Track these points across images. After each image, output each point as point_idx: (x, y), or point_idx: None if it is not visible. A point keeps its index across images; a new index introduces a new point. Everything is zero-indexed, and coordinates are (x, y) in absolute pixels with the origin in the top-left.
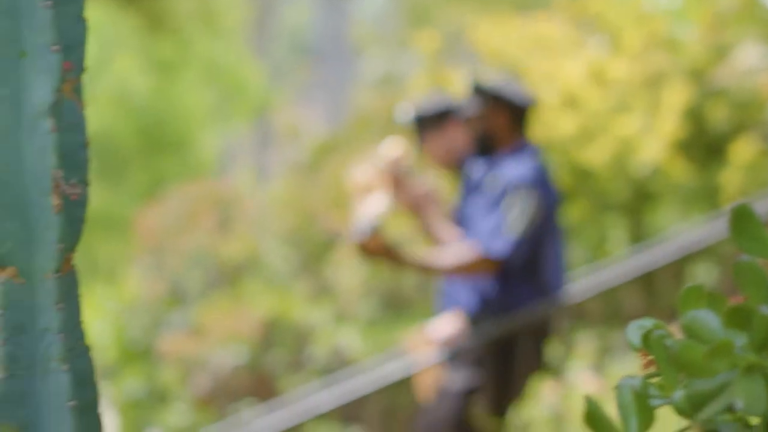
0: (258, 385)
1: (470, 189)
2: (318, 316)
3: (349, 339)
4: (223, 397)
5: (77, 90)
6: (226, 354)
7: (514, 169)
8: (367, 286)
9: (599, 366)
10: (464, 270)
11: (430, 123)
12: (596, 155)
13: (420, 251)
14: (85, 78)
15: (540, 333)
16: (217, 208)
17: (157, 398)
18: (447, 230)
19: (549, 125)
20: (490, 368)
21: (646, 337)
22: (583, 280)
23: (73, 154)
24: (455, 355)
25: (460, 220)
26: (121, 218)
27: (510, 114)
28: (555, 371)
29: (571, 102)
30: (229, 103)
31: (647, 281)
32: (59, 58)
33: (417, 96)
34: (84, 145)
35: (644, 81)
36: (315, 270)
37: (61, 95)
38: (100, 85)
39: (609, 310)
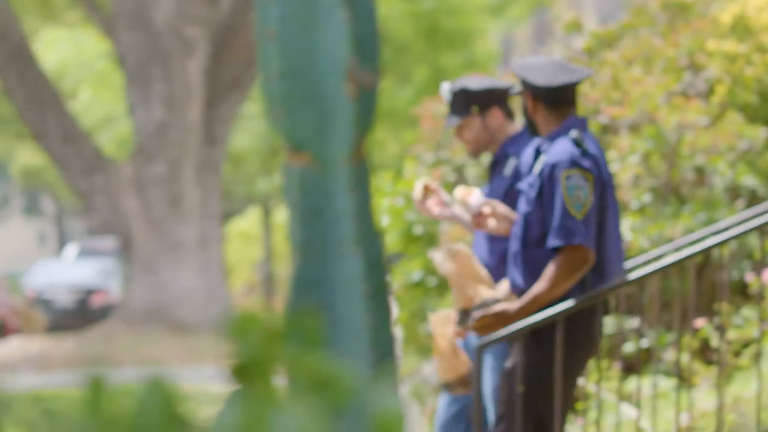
0: None
1: (504, 176)
2: None
3: None
4: None
5: None
6: None
7: (554, 153)
8: None
9: None
10: (571, 279)
11: (478, 101)
12: None
13: (527, 294)
14: None
15: (596, 314)
16: None
17: (436, 284)
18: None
19: None
20: (550, 348)
21: None
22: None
23: (365, 44)
24: (518, 336)
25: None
26: (403, 112)
27: (534, 96)
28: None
29: None
30: None
31: None
32: None
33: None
34: (375, 34)
35: None
36: None
37: None
38: None
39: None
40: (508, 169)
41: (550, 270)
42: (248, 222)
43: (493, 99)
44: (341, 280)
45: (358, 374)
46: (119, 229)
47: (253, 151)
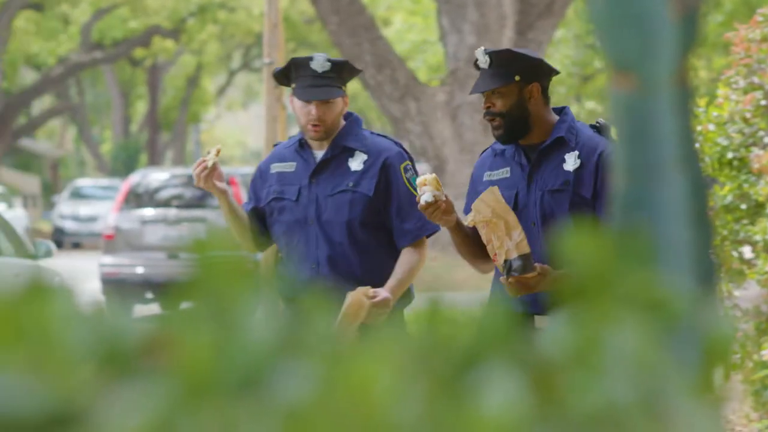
0: None
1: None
2: None
3: None
4: None
5: None
6: None
7: (593, 141)
8: None
9: None
10: None
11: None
12: None
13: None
14: None
15: None
16: None
17: (746, 209)
18: None
19: None
20: None
21: None
22: None
23: None
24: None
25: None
26: (714, 38)
27: (541, 81)
28: None
29: None
30: None
31: None
32: None
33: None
34: None
35: None
36: None
37: None
38: None
39: None
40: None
41: None
42: None
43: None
44: (665, 202)
45: (687, 294)
46: (432, 155)
47: (563, 77)
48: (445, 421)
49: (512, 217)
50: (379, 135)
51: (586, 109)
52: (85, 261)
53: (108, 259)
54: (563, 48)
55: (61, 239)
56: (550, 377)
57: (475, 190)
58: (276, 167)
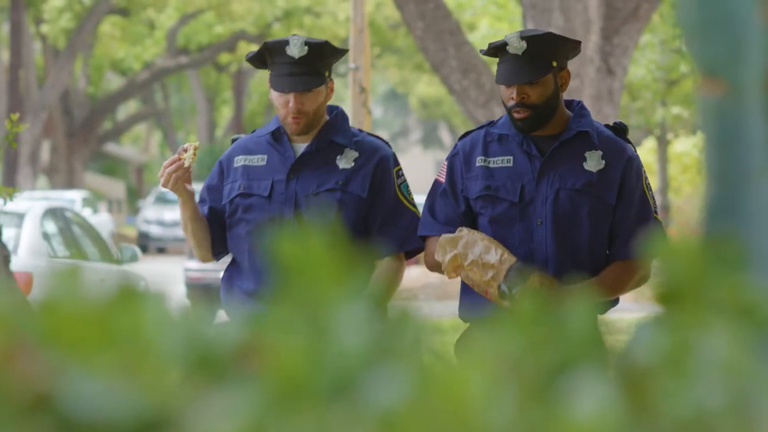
0: None
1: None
2: None
3: None
4: None
5: None
6: None
7: (620, 146)
8: None
9: None
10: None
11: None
12: None
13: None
14: None
15: None
16: None
17: None
18: None
19: None
20: None
21: None
22: None
23: None
24: None
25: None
26: None
27: (564, 66)
28: None
29: None
30: None
31: None
32: None
33: None
34: None
35: None
36: None
37: None
38: None
39: None
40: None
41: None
42: (644, 152)
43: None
44: (756, 208)
45: None
46: None
47: (649, 82)
48: (537, 428)
49: (480, 245)
50: (369, 134)
51: (672, 114)
52: (169, 266)
53: (193, 264)
54: (649, 53)
55: (146, 244)
56: (641, 383)
57: (460, 175)
58: (241, 160)
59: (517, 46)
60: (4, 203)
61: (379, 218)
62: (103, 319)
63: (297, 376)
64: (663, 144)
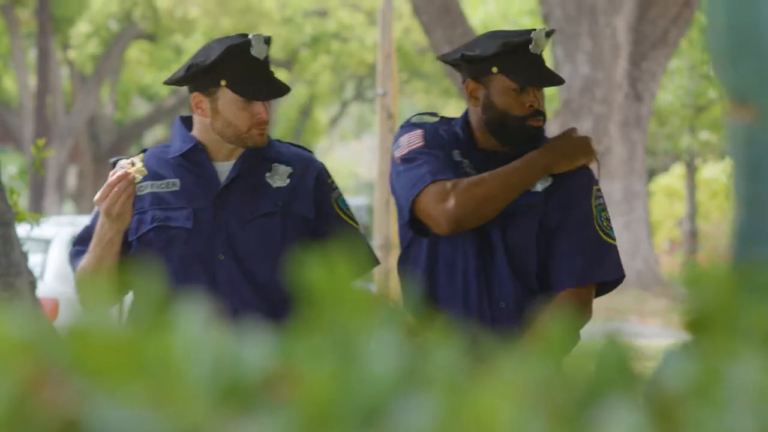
0: None
1: None
2: None
3: None
4: None
5: None
6: None
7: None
8: None
9: None
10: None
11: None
12: None
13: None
14: None
15: None
16: None
17: None
18: None
19: None
20: None
21: None
22: None
23: None
24: None
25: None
26: None
27: None
28: None
29: None
30: None
31: None
32: None
33: None
34: None
35: None
36: None
37: None
38: None
39: None
40: None
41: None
42: (672, 178)
43: None
44: None
45: None
46: None
47: (677, 107)
48: None
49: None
50: (290, 144)
51: (701, 140)
52: None
53: None
54: (677, 78)
55: None
56: (671, 411)
57: (434, 155)
58: (147, 187)
59: (541, 46)
60: (31, 229)
61: (321, 240)
62: (131, 346)
63: (326, 404)
64: (691, 170)
